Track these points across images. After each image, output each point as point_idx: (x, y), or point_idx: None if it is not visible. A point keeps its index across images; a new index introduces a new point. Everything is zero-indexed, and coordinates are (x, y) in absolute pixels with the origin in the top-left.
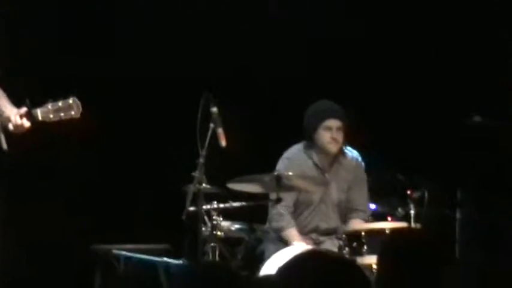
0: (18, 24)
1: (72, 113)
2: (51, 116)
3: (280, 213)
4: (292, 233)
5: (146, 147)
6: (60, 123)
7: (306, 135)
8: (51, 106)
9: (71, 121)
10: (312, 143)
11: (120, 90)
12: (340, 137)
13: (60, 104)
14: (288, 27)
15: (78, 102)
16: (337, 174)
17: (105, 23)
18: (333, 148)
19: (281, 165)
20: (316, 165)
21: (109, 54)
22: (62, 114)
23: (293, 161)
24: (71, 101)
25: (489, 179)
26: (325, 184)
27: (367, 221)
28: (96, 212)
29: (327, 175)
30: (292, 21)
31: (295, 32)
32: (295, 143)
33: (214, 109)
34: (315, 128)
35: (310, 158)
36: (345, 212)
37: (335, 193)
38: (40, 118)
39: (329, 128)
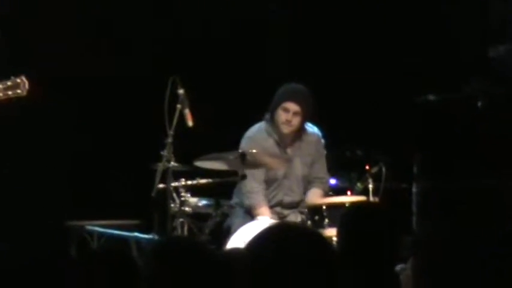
0: None
1: (19, 91)
2: (1, 94)
3: (253, 191)
4: (265, 211)
5: (117, 127)
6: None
7: (269, 110)
8: (1, 85)
9: (18, 99)
10: (272, 121)
11: (92, 73)
12: (296, 120)
13: (9, 82)
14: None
15: (26, 81)
16: (300, 149)
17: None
18: (285, 129)
19: (243, 144)
20: (277, 142)
21: (81, 37)
22: (10, 92)
23: (254, 139)
24: (18, 80)
25: (444, 151)
26: (287, 161)
27: (325, 190)
28: (69, 190)
29: (289, 151)
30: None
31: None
32: (259, 121)
33: (181, 91)
34: (275, 107)
35: (271, 136)
36: (308, 185)
37: (299, 168)
38: None
39: (286, 110)
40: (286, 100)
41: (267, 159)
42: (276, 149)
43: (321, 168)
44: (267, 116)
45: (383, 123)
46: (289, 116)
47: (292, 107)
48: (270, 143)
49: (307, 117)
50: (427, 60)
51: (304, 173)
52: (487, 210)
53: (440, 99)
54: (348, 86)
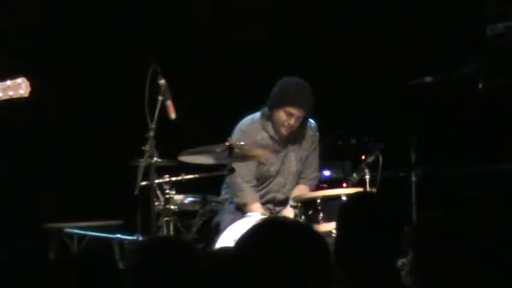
0: None
1: (21, 91)
2: (1, 94)
3: (242, 188)
4: (256, 208)
5: (96, 123)
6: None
7: (268, 105)
8: (1, 85)
9: (19, 100)
10: (269, 115)
11: (70, 66)
12: (297, 123)
13: (9, 83)
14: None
15: (27, 82)
16: (295, 145)
17: None
18: (284, 131)
19: (235, 137)
20: (272, 137)
21: (60, 26)
22: (12, 93)
23: (247, 132)
24: (19, 81)
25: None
26: (277, 151)
27: (312, 187)
28: (47, 190)
29: (283, 146)
30: None
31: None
32: (247, 113)
33: (162, 81)
34: (278, 106)
35: (266, 130)
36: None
37: (293, 164)
38: None
39: (290, 114)
40: (292, 105)
41: (257, 151)
42: (269, 143)
43: (312, 163)
44: (265, 111)
45: (376, 110)
46: (292, 120)
47: (297, 112)
48: (264, 136)
49: (308, 117)
50: (421, 41)
51: (298, 169)
52: (492, 195)
53: (438, 81)
54: (339, 72)
